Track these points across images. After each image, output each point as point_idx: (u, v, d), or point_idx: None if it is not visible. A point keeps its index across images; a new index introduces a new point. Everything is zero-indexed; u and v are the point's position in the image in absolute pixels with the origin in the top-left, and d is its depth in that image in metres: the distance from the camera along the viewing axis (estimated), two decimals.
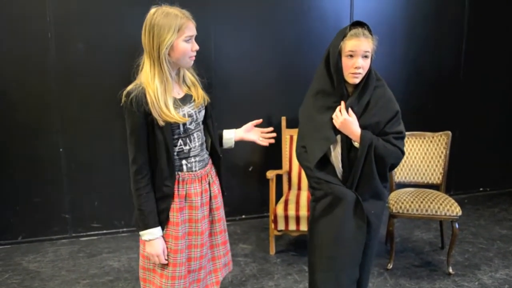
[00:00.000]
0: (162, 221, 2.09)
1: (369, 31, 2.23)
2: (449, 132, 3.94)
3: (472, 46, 5.14)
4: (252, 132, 2.50)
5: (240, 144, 4.61)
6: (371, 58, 2.26)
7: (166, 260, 2.09)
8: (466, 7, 5.04)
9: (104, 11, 4.11)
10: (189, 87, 2.16)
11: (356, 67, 2.19)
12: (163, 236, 2.09)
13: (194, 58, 2.06)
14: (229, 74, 4.49)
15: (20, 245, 4.23)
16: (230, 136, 2.45)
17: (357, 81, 2.24)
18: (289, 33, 4.57)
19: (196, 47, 2.03)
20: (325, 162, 2.35)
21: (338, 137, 2.32)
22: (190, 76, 2.19)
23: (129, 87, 2.01)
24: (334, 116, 2.28)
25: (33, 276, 3.68)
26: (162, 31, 1.94)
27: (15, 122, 4.09)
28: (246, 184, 4.63)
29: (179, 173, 2.11)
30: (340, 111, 2.26)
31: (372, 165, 2.28)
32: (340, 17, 4.63)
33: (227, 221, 2.41)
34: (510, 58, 5.30)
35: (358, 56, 2.19)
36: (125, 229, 4.44)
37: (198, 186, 2.16)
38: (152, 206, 2.05)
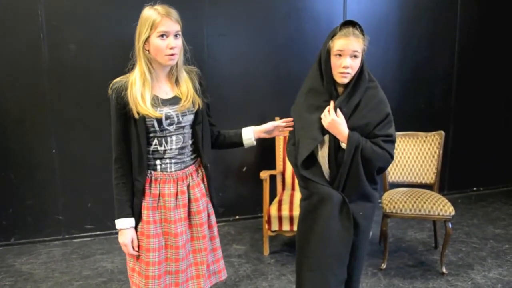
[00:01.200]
0: (135, 216, 2.13)
1: (361, 30, 2.22)
2: (442, 132, 3.95)
3: (465, 46, 5.17)
4: (273, 132, 2.44)
5: None
6: (362, 58, 2.24)
7: (137, 252, 2.13)
8: (459, 6, 5.06)
9: (96, 11, 4.09)
10: (180, 88, 2.15)
11: (343, 67, 2.18)
12: (136, 230, 2.13)
13: (172, 57, 2.03)
14: (222, 75, 4.49)
15: (13, 247, 4.21)
16: (249, 136, 2.41)
17: (345, 80, 2.23)
18: (282, 33, 4.58)
19: (172, 44, 2.00)
20: (313, 161, 2.35)
21: (326, 137, 2.30)
22: (185, 77, 2.17)
23: (115, 80, 2.09)
24: (322, 115, 2.28)
25: (26, 278, 3.66)
26: (140, 26, 2.02)
27: (7, 124, 4.08)
28: (240, 184, 4.63)
29: (152, 172, 2.13)
30: (328, 111, 2.26)
31: (359, 167, 2.26)
32: (333, 17, 4.64)
33: (220, 222, 2.40)
34: (503, 58, 5.32)
35: (346, 55, 2.18)
36: (118, 230, 4.41)
37: (172, 187, 2.15)
38: (127, 197, 2.11)
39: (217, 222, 2.41)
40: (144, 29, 1.99)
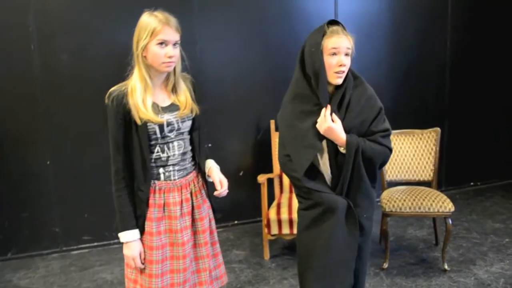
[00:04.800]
0: (139, 227, 2.09)
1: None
2: (438, 129, 3.95)
3: (456, 43, 5.19)
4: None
5: (230, 149, 4.63)
6: (351, 57, 2.20)
7: (142, 264, 2.10)
8: (450, 3, 5.07)
9: (88, 20, 4.07)
10: (178, 96, 2.13)
11: (341, 65, 2.11)
12: (141, 240, 2.10)
13: (170, 64, 2.02)
14: (215, 78, 4.47)
15: (10, 262, 4.16)
16: (208, 166, 2.32)
17: (340, 81, 2.16)
18: (275, 35, 4.57)
19: (170, 53, 1.99)
20: (312, 169, 2.26)
21: (324, 142, 2.23)
22: (183, 86, 2.16)
23: (113, 88, 2.05)
24: (318, 121, 2.18)
25: None
26: (139, 32, 2.00)
27: (0, 135, 4.03)
28: (237, 189, 4.60)
29: (156, 182, 2.11)
30: (325, 116, 2.16)
31: (361, 169, 2.22)
32: (325, 18, 4.54)
33: (219, 227, 2.38)
34: (495, 53, 5.34)
35: (341, 53, 2.12)
36: (116, 241, 4.38)
37: (177, 195, 2.14)
38: (131, 208, 2.07)
39: (216, 227, 2.39)
40: (143, 36, 1.97)
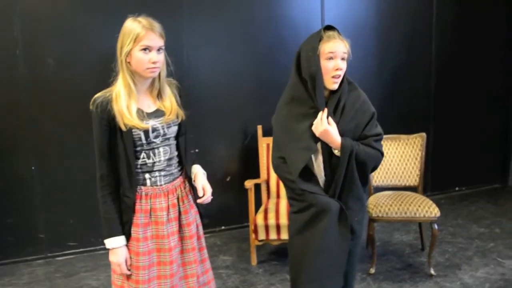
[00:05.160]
0: (125, 233, 2.09)
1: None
2: (424, 134, 3.99)
3: (441, 47, 5.24)
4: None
5: (217, 154, 4.61)
6: (347, 61, 2.23)
7: (128, 270, 2.09)
8: (435, 7, 5.13)
9: (74, 24, 4.04)
10: (163, 102, 2.13)
11: (337, 69, 2.16)
12: (127, 246, 2.09)
13: (154, 70, 2.01)
14: (202, 84, 4.46)
15: None
16: (194, 171, 2.31)
17: (336, 86, 2.20)
18: (262, 41, 4.58)
19: (154, 59, 1.99)
20: (306, 171, 2.29)
21: (319, 144, 2.27)
22: (168, 91, 2.16)
23: (97, 94, 2.05)
24: (314, 123, 2.23)
25: None
26: (123, 38, 2.00)
27: None
28: (224, 194, 4.60)
29: (142, 187, 2.11)
30: (321, 119, 2.20)
31: (354, 172, 2.26)
32: (311, 23, 4.65)
33: (206, 233, 2.37)
34: (480, 57, 5.40)
35: (337, 57, 2.17)
36: (102, 246, 4.33)
37: (163, 200, 2.14)
38: (116, 214, 2.07)
39: (203, 233, 2.39)
40: (126, 41, 1.97)
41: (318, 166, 2.32)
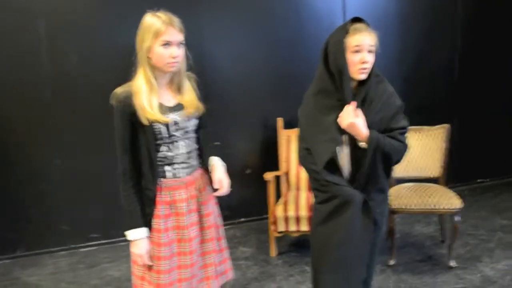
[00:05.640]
0: (147, 225, 2.17)
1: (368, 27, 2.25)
2: (447, 125, 3.99)
3: (466, 36, 5.23)
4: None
5: (236, 147, 4.70)
6: (375, 54, 2.26)
7: (151, 262, 2.17)
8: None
9: (96, 20, 4.16)
10: (183, 96, 2.20)
11: (363, 62, 2.19)
12: (148, 238, 2.17)
13: (174, 64, 2.08)
14: (222, 77, 4.54)
15: (19, 259, 4.27)
16: (210, 163, 2.38)
17: (364, 76, 2.23)
18: (282, 33, 4.63)
19: (175, 54, 2.05)
20: (331, 163, 2.32)
21: (344, 137, 2.30)
22: (188, 85, 2.23)
23: (118, 88, 2.11)
24: (340, 115, 2.25)
25: None
26: (143, 34, 2.05)
27: (9, 135, 4.14)
28: (244, 187, 4.67)
29: (163, 180, 2.18)
30: (348, 111, 2.22)
31: (379, 165, 2.29)
32: (333, 14, 4.70)
33: (226, 224, 2.44)
34: (506, 48, 5.38)
35: (364, 50, 2.19)
36: (123, 238, 4.46)
37: (183, 192, 2.21)
38: (138, 207, 2.14)
39: (223, 225, 2.48)
40: (147, 37, 2.03)
41: (343, 159, 2.34)
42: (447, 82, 5.29)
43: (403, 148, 2.35)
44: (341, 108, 2.26)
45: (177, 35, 2.07)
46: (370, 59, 2.21)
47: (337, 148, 2.32)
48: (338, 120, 2.26)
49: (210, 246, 2.33)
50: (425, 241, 4.18)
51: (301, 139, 2.46)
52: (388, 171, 2.37)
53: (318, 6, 4.69)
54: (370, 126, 2.26)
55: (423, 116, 4.80)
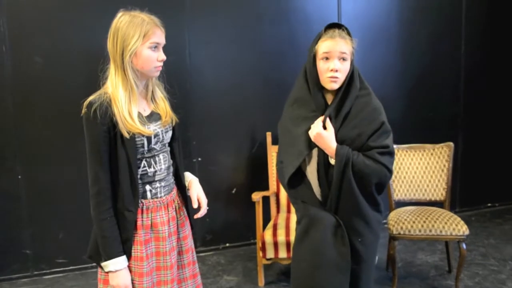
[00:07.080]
0: (125, 252, 2.05)
1: (348, 32, 2.25)
2: (451, 143, 3.96)
3: (472, 48, 5.23)
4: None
5: (221, 163, 4.63)
6: (351, 63, 2.25)
7: None
8: (464, 3, 5.12)
9: (63, 20, 4.09)
10: (157, 105, 2.16)
11: (332, 70, 2.19)
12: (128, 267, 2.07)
13: (160, 68, 2.07)
14: (207, 87, 4.49)
15: None
16: (187, 178, 2.37)
17: (335, 86, 2.23)
18: (272, 39, 4.60)
19: (163, 57, 2.04)
20: (302, 179, 2.34)
21: (315, 151, 2.29)
22: (159, 93, 2.19)
23: (92, 97, 2.01)
24: (311, 127, 2.27)
25: None
26: (126, 36, 1.97)
27: None
28: (229, 208, 4.61)
29: (143, 200, 2.10)
30: (318, 123, 2.24)
31: (352, 185, 2.23)
32: (326, 19, 4.58)
33: (209, 250, 2.39)
34: None
35: (333, 57, 2.20)
36: (95, 264, 4.36)
37: (164, 214, 2.15)
38: (117, 232, 2.03)
39: (205, 250, 2.40)
40: (133, 40, 1.96)
41: (311, 174, 2.33)
42: (452, 96, 5.27)
43: (383, 170, 2.27)
44: (313, 120, 2.28)
45: (163, 37, 2.06)
46: (341, 67, 2.21)
47: (307, 162, 2.32)
48: (309, 132, 2.27)
49: (187, 272, 2.29)
50: (430, 271, 4.10)
51: (278, 151, 2.51)
52: (370, 196, 2.30)
53: (310, 9, 4.67)
54: (343, 141, 2.25)
55: (426, 133, 4.80)
